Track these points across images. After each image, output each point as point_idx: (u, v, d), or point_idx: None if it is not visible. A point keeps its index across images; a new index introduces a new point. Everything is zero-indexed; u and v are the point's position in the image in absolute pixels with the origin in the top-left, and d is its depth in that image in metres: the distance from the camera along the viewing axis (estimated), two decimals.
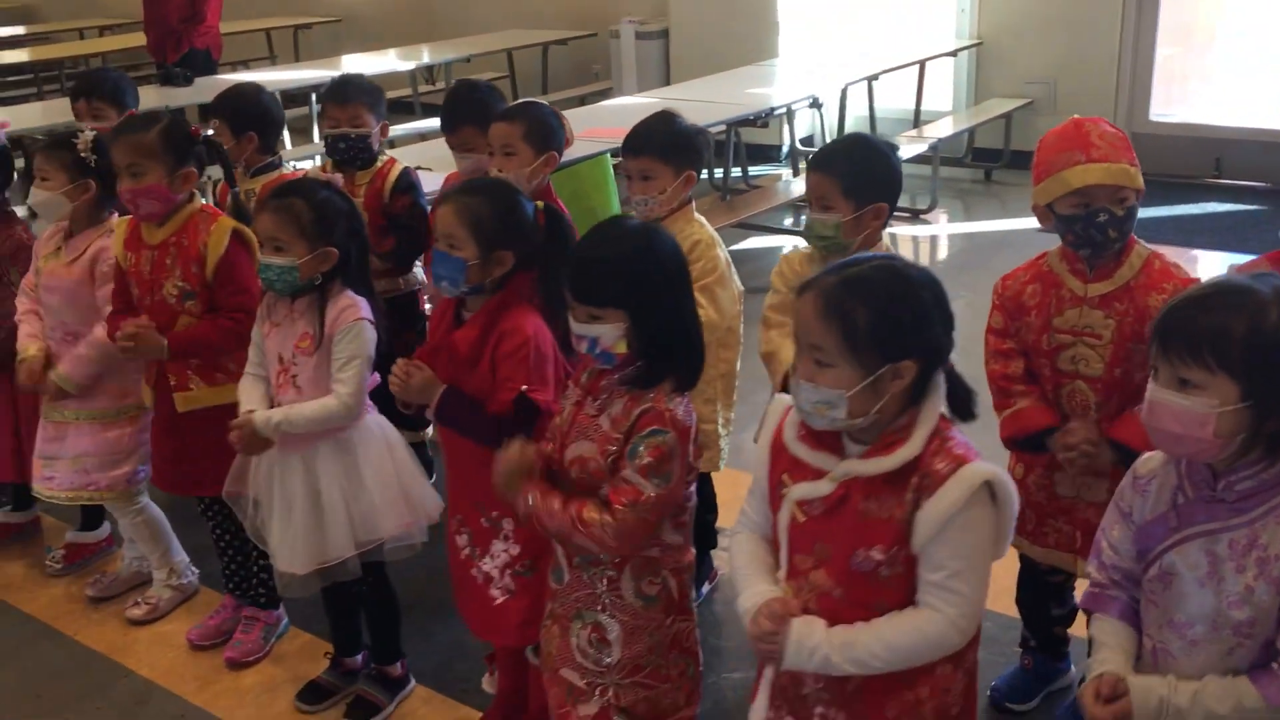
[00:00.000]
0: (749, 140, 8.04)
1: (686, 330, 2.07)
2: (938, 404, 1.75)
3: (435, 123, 6.43)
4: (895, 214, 2.68)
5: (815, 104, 7.57)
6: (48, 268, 3.17)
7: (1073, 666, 2.85)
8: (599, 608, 2.11)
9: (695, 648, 2.19)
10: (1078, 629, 2.73)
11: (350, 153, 3.51)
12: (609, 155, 4.83)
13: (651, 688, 2.12)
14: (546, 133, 3.17)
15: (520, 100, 3.49)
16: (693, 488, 2.11)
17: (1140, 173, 2.38)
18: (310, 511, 2.62)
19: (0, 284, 3.37)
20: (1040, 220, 2.48)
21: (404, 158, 3.83)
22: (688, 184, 2.95)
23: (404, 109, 8.55)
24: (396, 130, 6.58)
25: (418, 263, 3.71)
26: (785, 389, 2.01)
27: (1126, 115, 7.47)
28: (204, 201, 3.05)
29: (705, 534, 3.21)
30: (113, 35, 11.10)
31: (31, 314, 3.23)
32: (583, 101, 8.12)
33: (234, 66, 9.35)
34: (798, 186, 6.80)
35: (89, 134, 3.10)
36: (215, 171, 3.30)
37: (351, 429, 2.62)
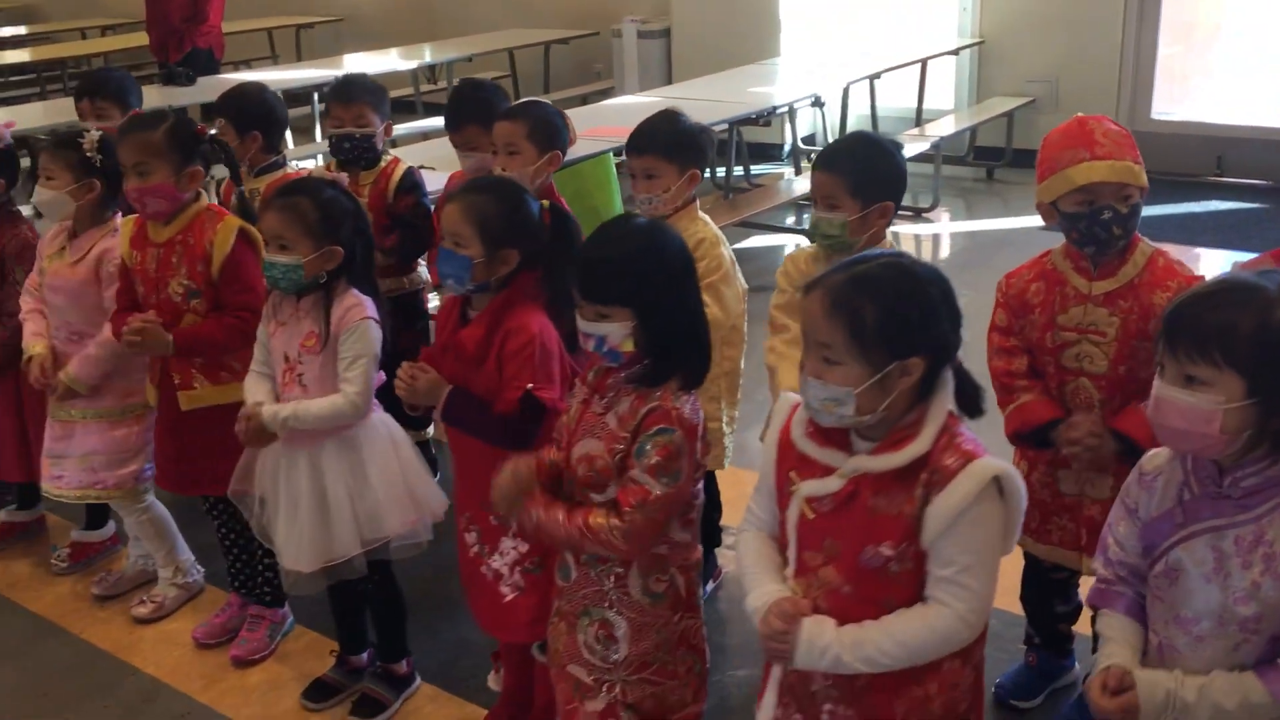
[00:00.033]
0: (751, 139, 8.06)
1: (693, 328, 2.08)
2: (946, 400, 1.76)
3: (437, 122, 6.45)
4: (898, 213, 2.69)
5: (817, 103, 7.57)
6: (52, 268, 3.18)
7: (1077, 664, 2.85)
8: (606, 604, 2.11)
9: (702, 645, 2.19)
10: (1082, 626, 2.74)
11: (355, 152, 3.52)
12: (611, 154, 4.84)
13: (658, 684, 2.13)
14: (550, 132, 3.17)
15: (524, 99, 3.50)
16: (700, 485, 2.11)
17: (1144, 170, 2.39)
18: (316, 509, 2.63)
19: (6, 283, 3.37)
20: (1044, 218, 2.48)
21: (406, 157, 3.84)
22: (692, 182, 2.96)
23: (406, 108, 8.55)
24: (398, 129, 6.58)
25: (421, 262, 3.72)
26: None
27: (1128, 113, 7.47)
28: (210, 200, 3.06)
29: (709, 532, 3.22)
30: (114, 35, 11.11)
31: (35, 313, 3.23)
32: (584, 101, 8.12)
33: (236, 66, 9.35)
34: (800, 185, 6.80)
35: (95, 133, 3.11)
36: (218, 170, 3.31)
37: (357, 427, 2.63)
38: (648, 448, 1.98)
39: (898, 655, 1.73)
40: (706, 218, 3.00)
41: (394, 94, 4.45)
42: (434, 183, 3.78)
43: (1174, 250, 2.48)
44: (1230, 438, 1.65)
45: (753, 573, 1.88)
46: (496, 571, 2.45)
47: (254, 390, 2.69)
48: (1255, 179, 7.36)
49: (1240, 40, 7.73)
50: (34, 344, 3.18)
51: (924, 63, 7.88)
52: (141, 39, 8.43)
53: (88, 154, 3.07)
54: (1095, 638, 1.90)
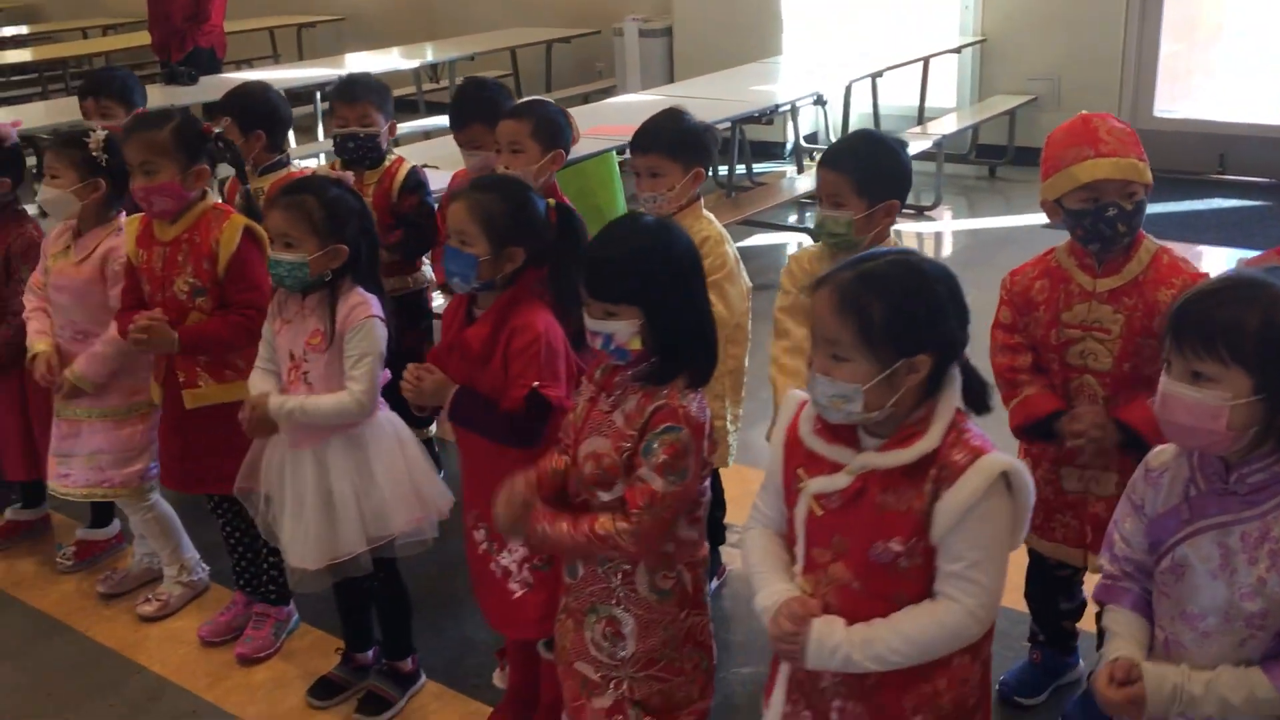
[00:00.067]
0: (753, 137, 8.06)
1: (700, 326, 2.08)
2: (954, 397, 1.76)
3: (440, 121, 6.46)
4: (901, 211, 2.69)
5: (819, 101, 7.58)
6: (56, 267, 3.18)
7: (1081, 661, 2.86)
8: (613, 601, 2.12)
9: (709, 641, 2.20)
10: (1086, 624, 2.74)
11: (359, 152, 3.52)
12: (614, 153, 4.85)
13: (666, 681, 2.13)
14: (554, 130, 3.17)
15: (528, 98, 3.50)
16: (707, 483, 2.12)
17: (1149, 168, 2.39)
18: (322, 507, 2.63)
19: (11, 281, 3.37)
20: (1049, 215, 2.48)
21: (409, 156, 3.84)
22: (696, 181, 2.96)
23: (408, 107, 8.56)
24: (401, 128, 6.58)
25: (425, 261, 3.72)
26: None
27: (1130, 111, 7.47)
28: (216, 199, 3.07)
29: (713, 529, 3.22)
30: (116, 34, 11.12)
31: (39, 311, 3.24)
32: (586, 99, 8.12)
33: (238, 65, 9.36)
34: (802, 183, 6.80)
35: (101, 133, 3.12)
36: (222, 169, 3.31)
37: (363, 425, 2.63)
38: (655, 445, 1.98)
39: (908, 652, 1.73)
40: (711, 216, 3.01)
41: (396, 93, 4.45)
42: (437, 181, 3.78)
43: (1177, 248, 2.48)
44: (1237, 434, 1.66)
45: (760, 571, 1.89)
46: (505, 569, 2.46)
47: (259, 385, 2.69)
48: (1258, 176, 7.36)
49: (1242, 38, 7.74)
50: (38, 342, 3.18)
51: (926, 61, 7.88)
52: (143, 38, 8.43)
53: (93, 153, 3.08)
54: (1101, 633, 1.90)
